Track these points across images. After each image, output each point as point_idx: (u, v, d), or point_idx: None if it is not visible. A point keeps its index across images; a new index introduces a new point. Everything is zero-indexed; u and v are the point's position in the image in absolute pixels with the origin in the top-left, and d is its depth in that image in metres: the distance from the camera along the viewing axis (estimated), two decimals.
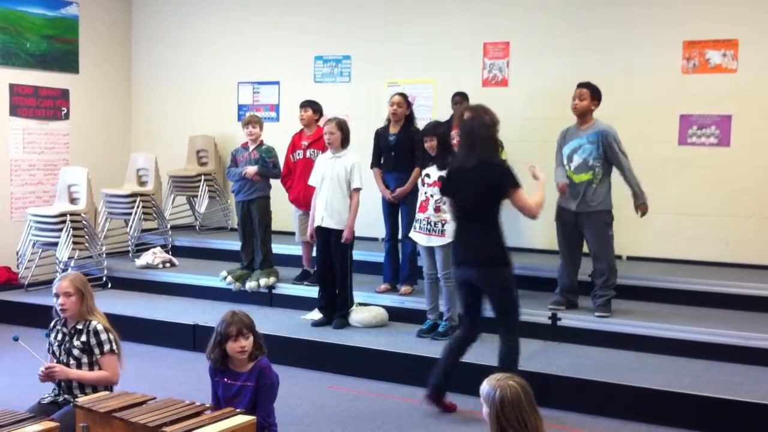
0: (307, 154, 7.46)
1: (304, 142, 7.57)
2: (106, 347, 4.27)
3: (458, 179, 5.30)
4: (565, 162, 6.47)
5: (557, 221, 6.63)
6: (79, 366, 4.25)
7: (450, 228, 6.22)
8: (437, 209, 6.26)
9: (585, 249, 6.61)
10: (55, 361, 4.29)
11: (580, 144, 6.37)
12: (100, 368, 4.27)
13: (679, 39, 7.64)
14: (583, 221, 6.39)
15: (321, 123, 7.33)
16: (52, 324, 4.40)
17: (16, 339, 4.33)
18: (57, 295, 4.28)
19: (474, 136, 5.24)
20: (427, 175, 6.37)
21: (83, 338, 4.26)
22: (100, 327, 4.28)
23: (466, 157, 5.25)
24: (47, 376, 4.20)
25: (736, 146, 7.47)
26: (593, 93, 6.37)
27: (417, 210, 6.45)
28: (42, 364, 4.22)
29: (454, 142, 6.86)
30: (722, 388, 5.26)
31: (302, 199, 7.44)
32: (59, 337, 4.33)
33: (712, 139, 7.56)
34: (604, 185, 6.35)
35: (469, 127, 5.33)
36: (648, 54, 7.74)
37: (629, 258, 7.80)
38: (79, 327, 4.28)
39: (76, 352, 4.25)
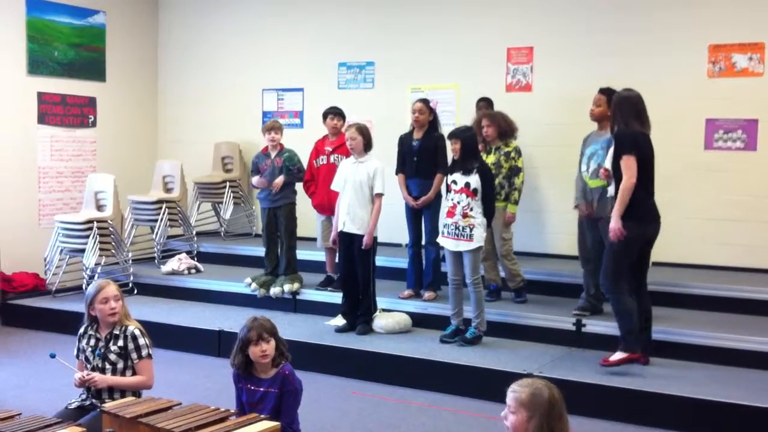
0: (331, 160, 7.50)
1: (328, 148, 7.61)
2: (144, 352, 4.32)
3: (647, 144, 5.63)
4: (583, 167, 6.45)
5: (579, 226, 6.61)
6: (114, 371, 4.28)
7: (478, 232, 6.23)
8: (465, 215, 6.25)
9: None
10: (88, 366, 4.32)
11: (595, 150, 6.35)
12: (134, 373, 4.32)
13: (704, 43, 7.58)
14: (602, 227, 6.35)
15: (343, 129, 7.37)
16: (82, 330, 4.42)
17: (53, 356, 4.34)
18: (105, 300, 4.28)
19: (641, 106, 5.66)
20: (454, 182, 6.35)
21: (120, 343, 4.30)
22: (137, 332, 4.33)
23: (642, 125, 5.64)
24: (83, 383, 4.24)
25: (762, 150, 7.39)
26: (610, 99, 6.33)
27: (444, 215, 6.45)
28: (78, 375, 4.26)
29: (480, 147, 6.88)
30: (749, 395, 5.20)
31: (326, 205, 7.47)
32: (92, 342, 4.35)
33: (738, 143, 7.49)
34: None
35: (635, 99, 5.68)
36: (673, 58, 7.69)
37: (654, 263, 7.70)
38: (116, 332, 4.32)
39: (112, 357, 4.29)
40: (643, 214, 5.58)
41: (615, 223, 5.51)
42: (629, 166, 5.48)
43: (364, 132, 6.80)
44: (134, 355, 4.30)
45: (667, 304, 6.81)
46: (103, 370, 4.28)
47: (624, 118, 5.62)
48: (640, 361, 5.74)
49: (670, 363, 5.94)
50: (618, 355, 5.63)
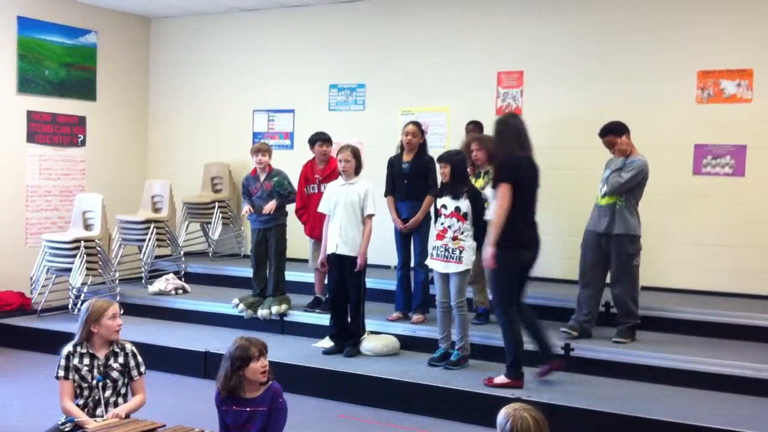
0: (322, 188, 7.44)
1: (318, 176, 7.60)
2: (142, 369, 4.41)
3: (528, 169, 5.79)
4: (601, 185, 6.52)
5: (582, 245, 6.63)
6: (115, 388, 4.30)
7: (467, 255, 6.23)
8: (455, 238, 6.25)
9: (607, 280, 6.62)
10: (85, 385, 4.27)
11: (612, 171, 6.45)
12: (127, 389, 4.35)
13: (693, 69, 7.64)
14: (608, 244, 6.40)
15: (334, 152, 7.35)
16: (70, 348, 4.32)
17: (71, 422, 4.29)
18: (114, 316, 4.31)
19: (523, 131, 5.84)
20: (444, 206, 6.36)
21: (121, 360, 4.32)
22: (135, 349, 4.41)
23: (521, 148, 5.79)
24: None
25: (750, 176, 7.43)
26: (618, 131, 6.43)
27: (434, 238, 6.45)
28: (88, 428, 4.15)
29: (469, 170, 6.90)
30: (737, 421, 5.18)
31: (318, 232, 7.43)
32: (86, 361, 4.30)
33: (726, 168, 7.53)
34: (629, 210, 6.37)
35: (516, 122, 5.93)
36: (662, 84, 7.75)
37: (644, 288, 7.72)
38: (116, 350, 4.34)
39: (115, 374, 4.30)
40: (520, 240, 5.74)
41: (487, 252, 5.70)
42: (503, 194, 5.66)
43: (357, 155, 6.83)
44: (135, 372, 4.36)
45: (656, 328, 6.82)
46: (104, 388, 4.27)
47: (506, 145, 5.81)
48: (555, 367, 5.93)
49: (659, 388, 5.94)
50: (501, 380, 5.84)
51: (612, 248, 6.42)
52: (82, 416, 4.18)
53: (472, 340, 6.49)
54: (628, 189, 6.37)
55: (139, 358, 4.40)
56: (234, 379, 3.91)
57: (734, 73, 7.51)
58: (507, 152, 5.79)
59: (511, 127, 5.87)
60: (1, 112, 8.88)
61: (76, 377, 4.29)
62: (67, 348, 4.35)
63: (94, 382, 4.25)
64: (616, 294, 6.48)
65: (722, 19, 7.54)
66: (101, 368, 4.27)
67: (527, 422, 2.87)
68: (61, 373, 4.28)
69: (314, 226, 7.52)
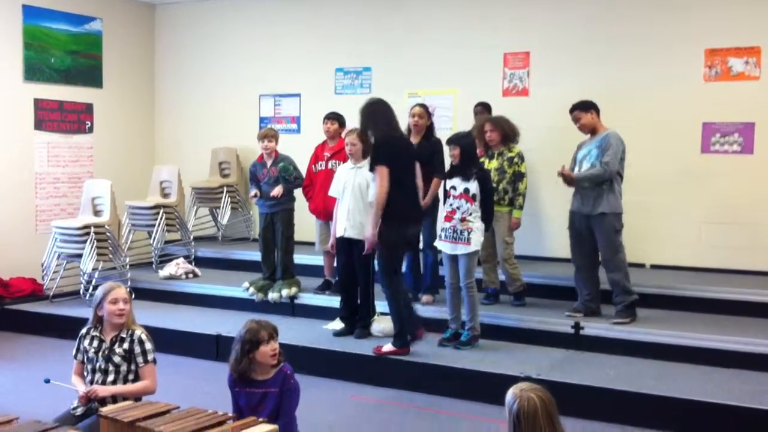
0: (329, 165, 7.50)
1: (326, 153, 7.61)
2: (150, 356, 4.37)
3: (403, 147, 6.20)
4: (576, 168, 6.50)
5: (569, 228, 6.64)
6: (117, 373, 4.30)
7: (475, 236, 6.24)
8: (463, 219, 6.26)
9: None
10: (89, 367, 4.33)
11: (589, 150, 6.46)
12: (136, 376, 4.34)
13: (701, 47, 7.61)
14: (593, 224, 6.40)
15: (343, 134, 7.37)
16: (84, 330, 4.42)
17: (47, 381, 4.34)
18: (115, 301, 4.30)
19: (392, 112, 6.15)
20: (453, 188, 6.36)
21: (125, 346, 4.32)
22: (144, 336, 4.38)
23: (393, 129, 6.13)
24: (89, 399, 4.22)
25: (759, 154, 7.41)
26: (584, 108, 6.43)
27: (443, 219, 6.46)
28: (80, 392, 4.24)
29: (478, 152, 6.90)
30: (746, 396, 5.21)
31: (322, 210, 7.47)
32: (95, 343, 4.35)
33: (735, 146, 7.51)
34: (611, 189, 6.35)
35: (384, 104, 6.18)
36: (670, 62, 7.72)
37: (653, 266, 7.75)
38: (123, 335, 4.35)
39: (117, 359, 4.30)
40: (404, 215, 6.06)
41: (368, 232, 6.02)
42: (382, 176, 5.91)
43: (364, 138, 6.81)
44: (140, 359, 4.33)
45: (665, 306, 6.84)
46: (106, 372, 4.30)
47: (380, 127, 6.04)
48: (418, 336, 6.40)
49: (668, 365, 5.95)
50: (389, 348, 6.23)
51: (598, 227, 6.38)
52: (77, 384, 4.31)
53: (482, 320, 6.51)
54: (620, 162, 6.34)
55: (147, 346, 4.35)
56: (244, 361, 3.93)
57: (742, 51, 7.47)
58: (382, 133, 6.00)
59: (382, 108, 6.10)
60: (8, 100, 8.91)
61: (84, 358, 4.37)
62: (83, 330, 4.45)
63: (98, 364, 4.30)
64: (611, 273, 6.42)
65: None
66: (105, 352, 4.31)
67: (534, 402, 2.88)
68: (73, 352, 4.44)
69: (318, 204, 7.55)
